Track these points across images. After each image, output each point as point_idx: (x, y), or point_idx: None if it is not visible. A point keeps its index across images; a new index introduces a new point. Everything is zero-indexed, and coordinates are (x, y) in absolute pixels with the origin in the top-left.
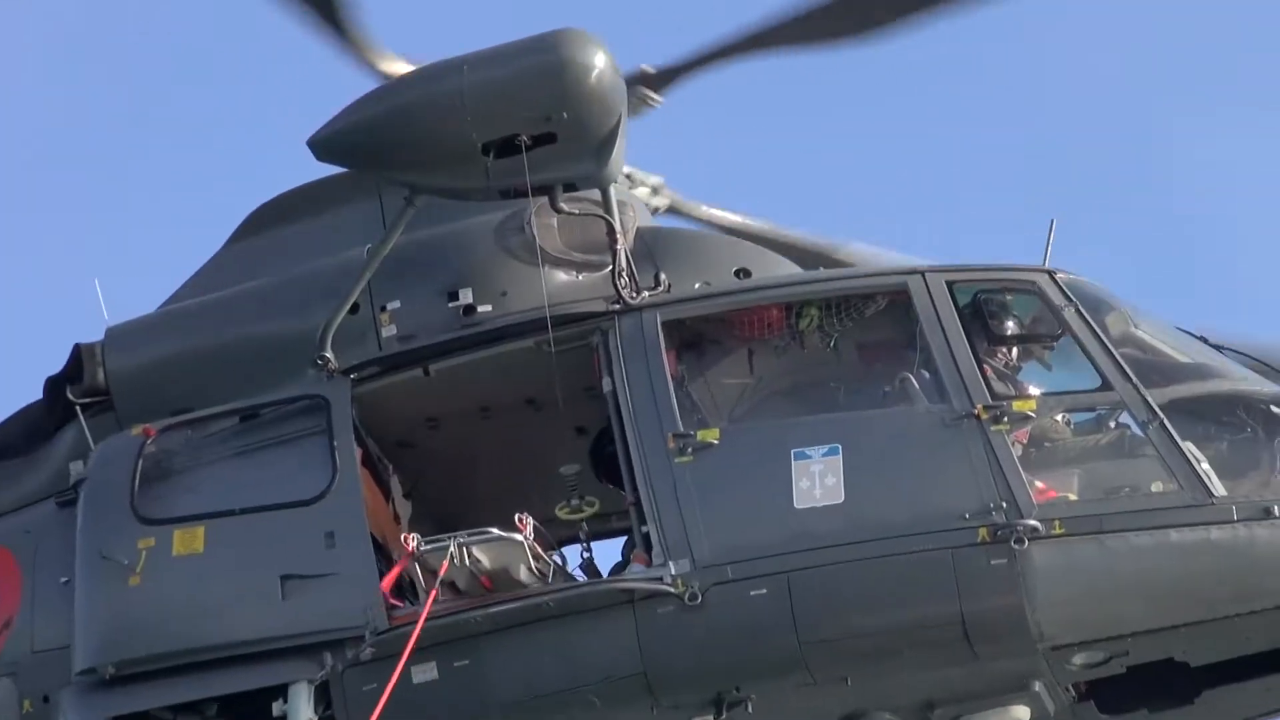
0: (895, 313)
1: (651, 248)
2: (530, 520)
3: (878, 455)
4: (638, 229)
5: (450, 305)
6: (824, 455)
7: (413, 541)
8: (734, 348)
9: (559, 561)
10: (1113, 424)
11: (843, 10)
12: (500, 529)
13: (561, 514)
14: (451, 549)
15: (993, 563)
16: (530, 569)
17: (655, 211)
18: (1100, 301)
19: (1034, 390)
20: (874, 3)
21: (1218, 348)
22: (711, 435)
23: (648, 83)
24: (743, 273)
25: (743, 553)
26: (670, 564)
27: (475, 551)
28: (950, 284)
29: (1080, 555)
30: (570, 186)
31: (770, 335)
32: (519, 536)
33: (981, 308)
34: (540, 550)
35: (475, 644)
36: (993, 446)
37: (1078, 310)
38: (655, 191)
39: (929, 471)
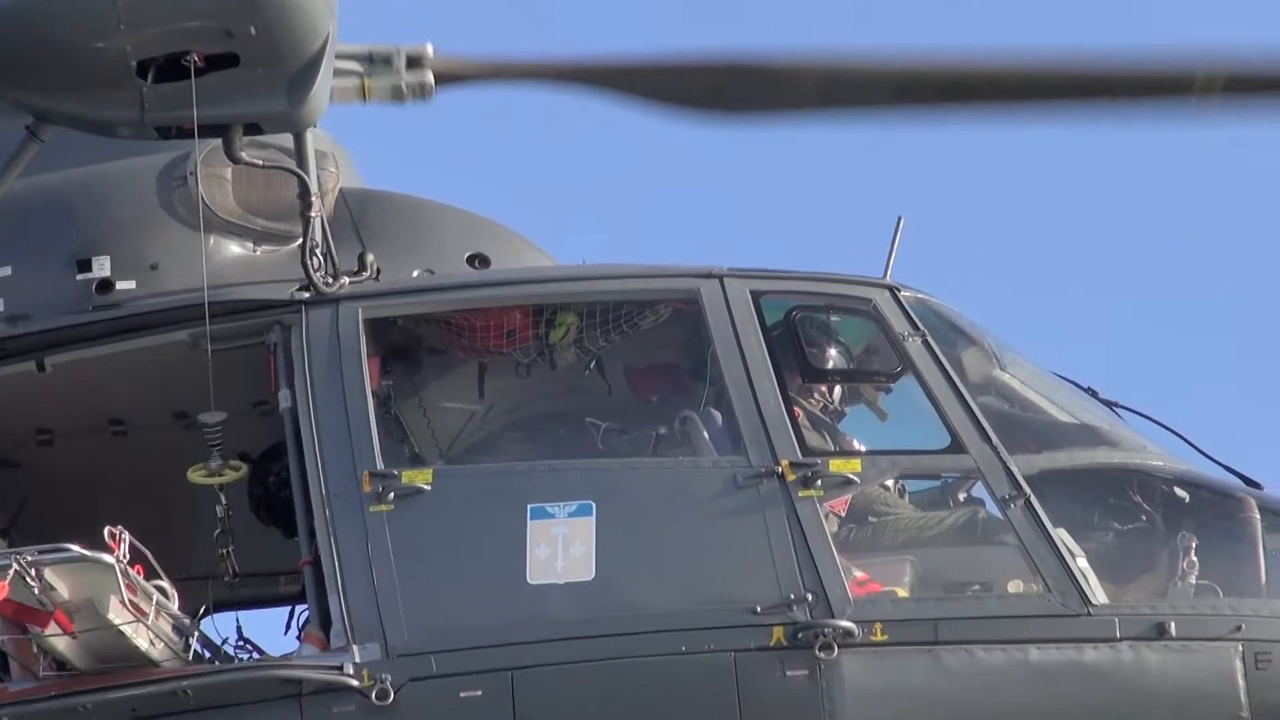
0: (681, 328)
1: (358, 218)
2: (126, 536)
3: (644, 520)
4: (340, 191)
5: (80, 278)
6: (571, 515)
7: None
8: (460, 361)
9: (165, 596)
10: (963, 497)
11: (711, 78)
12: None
13: (195, 476)
14: (14, 568)
15: (789, 674)
16: (123, 602)
17: None
18: (957, 332)
19: (859, 446)
20: (758, 82)
21: (1110, 404)
22: (422, 478)
23: (433, 69)
24: (479, 260)
25: (453, 639)
26: (354, 648)
27: (49, 575)
28: (757, 294)
29: (907, 672)
30: (254, 128)
31: (510, 347)
32: (108, 558)
33: (797, 329)
34: (139, 579)
35: None
36: (799, 518)
37: (925, 342)
38: None
39: (711, 546)
